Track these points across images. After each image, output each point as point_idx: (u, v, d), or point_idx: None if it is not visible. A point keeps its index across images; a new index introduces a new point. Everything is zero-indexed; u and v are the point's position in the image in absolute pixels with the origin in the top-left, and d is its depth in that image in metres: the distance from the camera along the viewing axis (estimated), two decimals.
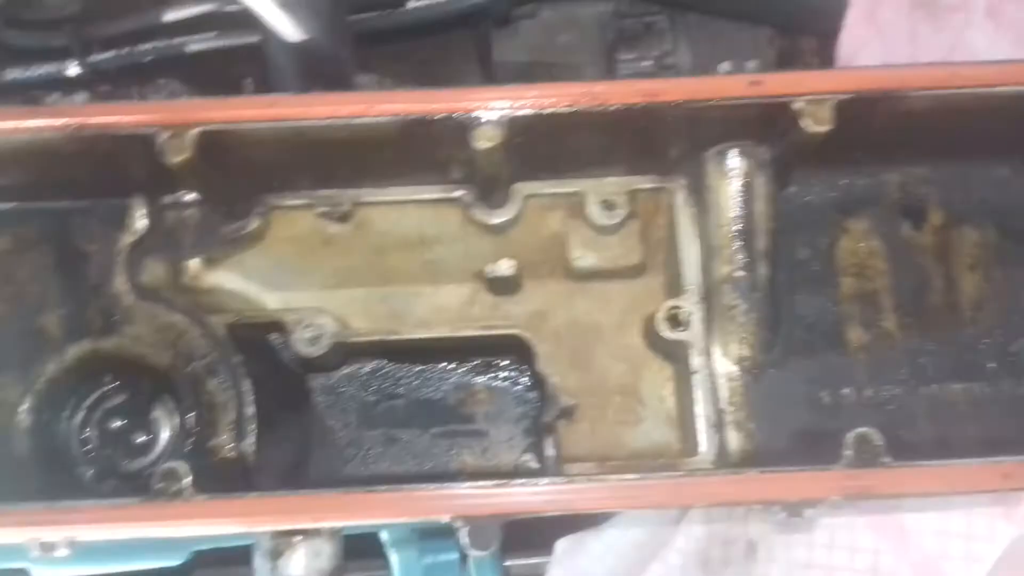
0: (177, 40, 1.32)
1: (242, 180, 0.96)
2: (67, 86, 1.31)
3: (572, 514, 0.85)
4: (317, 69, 1.03)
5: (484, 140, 0.85)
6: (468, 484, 0.81)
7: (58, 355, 0.98)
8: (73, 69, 1.32)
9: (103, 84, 1.14)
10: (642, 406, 1.05)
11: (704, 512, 1.13)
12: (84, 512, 0.80)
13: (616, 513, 1.17)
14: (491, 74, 1.51)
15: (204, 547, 1.25)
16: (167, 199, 1.01)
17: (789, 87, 0.83)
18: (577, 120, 0.86)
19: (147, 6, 1.32)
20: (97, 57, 1.32)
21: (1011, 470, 0.80)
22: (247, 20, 1.11)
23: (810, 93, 0.83)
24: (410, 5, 1.34)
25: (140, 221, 1.00)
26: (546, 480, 0.82)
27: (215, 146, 0.87)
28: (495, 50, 1.54)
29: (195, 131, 0.85)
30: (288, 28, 0.97)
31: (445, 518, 0.80)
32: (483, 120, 0.85)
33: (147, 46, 1.32)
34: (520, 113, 0.85)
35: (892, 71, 0.84)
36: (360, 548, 1.18)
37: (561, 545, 1.22)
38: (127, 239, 1.00)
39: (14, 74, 1.32)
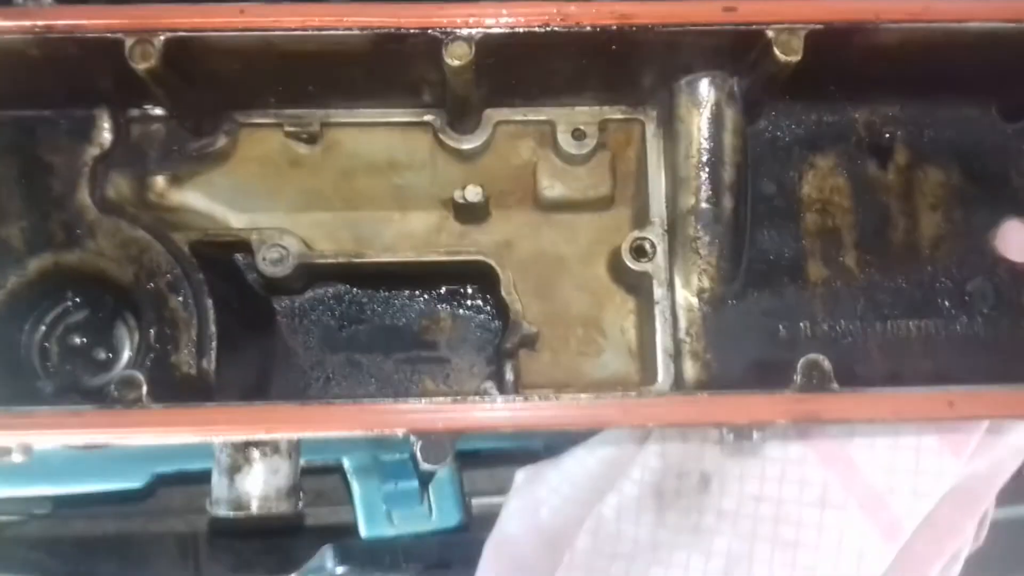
0: None
1: (209, 93, 0.95)
2: None
3: (527, 434, 0.86)
4: None
5: (455, 58, 0.85)
6: (424, 400, 0.81)
7: (19, 267, 0.97)
8: None
9: None
10: (604, 338, 1.06)
11: (660, 445, 1.15)
12: (40, 417, 0.80)
13: (574, 440, 1.19)
14: None
15: (164, 470, 1.26)
16: (134, 112, 1.00)
17: (763, 15, 0.83)
18: (549, 41, 0.86)
19: None
20: None
21: (956, 399, 0.82)
22: None
23: (783, 21, 0.84)
24: None
25: (106, 134, 0.98)
26: (501, 398, 0.83)
27: (183, 54, 0.86)
28: None
29: (162, 37, 0.84)
30: None
31: (400, 432, 0.80)
32: (455, 36, 0.84)
33: None
34: (492, 31, 0.84)
35: (866, 2, 0.84)
36: None
37: (520, 475, 1.23)
38: (92, 151, 0.98)
39: None
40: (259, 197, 1.04)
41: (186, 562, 1.55)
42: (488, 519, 1.27)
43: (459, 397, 0.82)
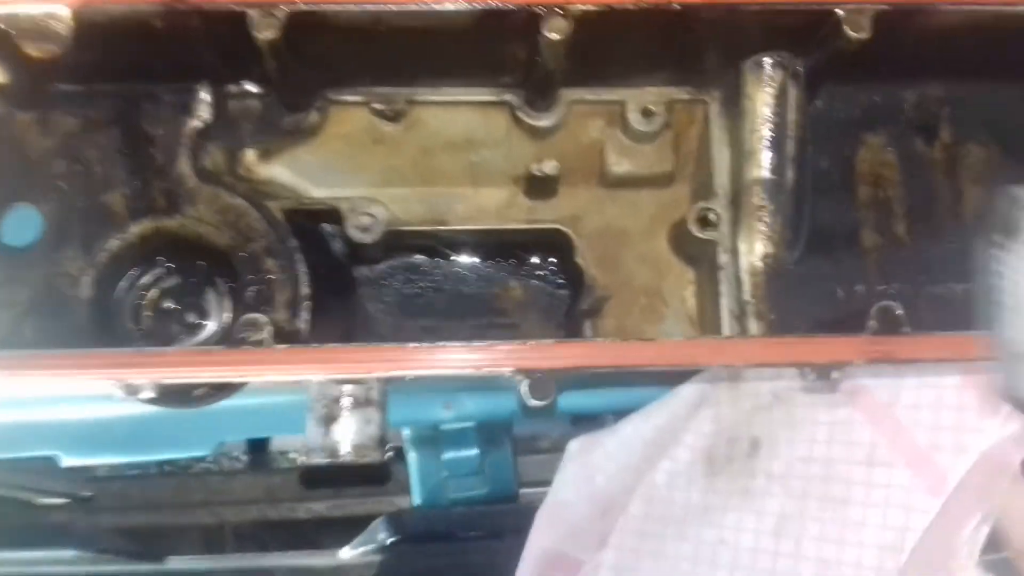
0: None
1: (311, 70, 1.02)
2: None
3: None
4: None
5: (555, 31, 0.92)
6: (528, 341, 0.87)
7: (122, 231, 1.03)
8: None
9: None
10: (665, 306, 1.13)
11: (713, 410, 1.22)
12: (170, 356, 0.85)
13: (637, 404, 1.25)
14: None
15: (230, 438, 1.31)
16: (232, 88, 1.07)
17: None
18: (637, 19, 0.93)
19: None
20: None
21: None
22: None
23: (851, 1, 0.92)
24: None
25: (205, 108, 1.04)
26: (602, 340, 0.90)
27: (300, 27, 0.92)
28: None
29: (283, 10, 0.90)
30: None
31: (508, 370, 0.87)
32: (555, 11, 0.91)
33: None
34: (589, 8, 0.92)
35: None
36: None
37: (575, 444, 1.29)
38: (193, 124, 1.04)
39: None
40: (342, 172, 1.11)
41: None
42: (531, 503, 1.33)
43: (560, 339, 0.88)
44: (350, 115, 1.10)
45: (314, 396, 1.01)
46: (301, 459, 1.02)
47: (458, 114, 1.11)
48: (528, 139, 1.11)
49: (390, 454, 1.03)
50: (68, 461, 1.27)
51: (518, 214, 1.12)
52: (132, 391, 0.86)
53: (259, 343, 0.88)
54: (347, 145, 1.11)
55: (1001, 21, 0.95)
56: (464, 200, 1.12)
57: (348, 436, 0.99)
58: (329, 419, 1.00)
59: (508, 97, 1.09)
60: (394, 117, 1.10)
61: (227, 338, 1.05)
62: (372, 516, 1.45)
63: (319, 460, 0.99)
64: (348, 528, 1.46)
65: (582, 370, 0.86)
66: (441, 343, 0.86)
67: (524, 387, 0.85)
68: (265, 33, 0.90)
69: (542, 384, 0.85)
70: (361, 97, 1.09)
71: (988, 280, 0.85)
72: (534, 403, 0.85)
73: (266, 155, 1.09)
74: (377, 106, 1.08)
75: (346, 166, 1.11)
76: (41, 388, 0.83)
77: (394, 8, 0.91)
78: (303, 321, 1.02)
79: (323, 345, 0.86)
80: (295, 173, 1.10)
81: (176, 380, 0.85)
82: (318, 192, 1.10)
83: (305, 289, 1.02)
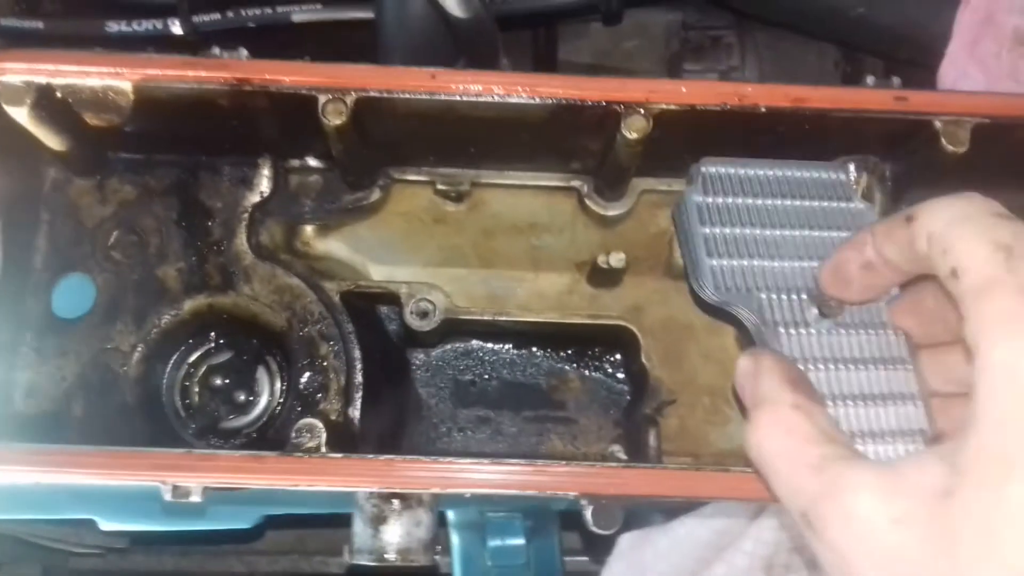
0: (282, 9, 1.34)
1: (377, 150, 0.98)
2: (171, 45, 1.33)
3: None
4: (471, 48, 1.05)
5: (633, 131, 0.88)
6: (596, 463, 0.83)
7: (175, 306, 1.00)
8: (177, 28, 1.34)
9: (208, 46, 1.17)
10: (730, 408, 1.07)
11: (776, 519, 1.16)
12: (222, 461, 0.81)
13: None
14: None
15: (275, 512, 1.27)
16: (293, 163, 1.04)
17: (933, 105, 0.87)
18: (722, 120, 0.89)
19: None
20: (202, 18, 1.34)
21: None
22: None
23: (952, 113, 0.87)
24: None
25: (266, 182, 1.02)
26: (674, 464, 0.85)
27: (368, 113, 0.89)
28: (560, 50, 1.57)
29: (353, 96, 0.87)
30: (454, 5, 1.00)
31: (572, 494, 0.82)
32: (635, 111, 0.87)
33: (253, 11, 1.34)
34: (671, 107, 0.88)
35: None
36: None
37: (626, 540, 1.24)
38: (252, 199, 1.01)
39: (118, 27, 1.34)
40: (401, 251, 1.07)
41: None
42: None
43: (629, 463, 0.83)
44: (412, 193, 1.07)
45: (363, 494, 0.98)
46: (347, 558, 0.98)
47: (523, 197, 1.07)
48: (594, 227, 1.07)
49: (438, 556, 0.99)
50: (106, 526, 1.24)
51: (579, 302, 1.08)
52: (181, 494, 0.82)
53: (314, 450, 0.84)
54: (407, 223, 1.07)
55: None
56: (524, 284, 1.08)
57: (396, 539, 0.95)
58: (378, 519, 0.96)
59: (576, 183, 1.05)
60: (457, 198, 1.06)
61: (274, 421, 1.02)
62: None
63: (366, 561, 0.96)
64: None
65: (651, 499, 0.81)
66: (503, 460, 0.81)
67: (588, 514, 0.81)
68: (334, 120, 0.87)
69: (607, 512, 0.80)
70: (425, 177, 1.05)
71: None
72: (598, 531, 0.80)
73: (324, 230, 1.06)
74: (441, 187, 1.05)
75: (405, 245, 1.07)
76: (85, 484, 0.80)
77: (468, 99, 0.88)
78: (356, 410, 0.98)
79: (379, 456, 0.82)
80: (353, 250, 1.07)
81: (227, 486, 0.81)
82: (375, 269, 1.07)
83: (359, 377, 0.99)
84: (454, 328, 1.06)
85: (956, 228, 0.54)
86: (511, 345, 1.12)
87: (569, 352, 1.12)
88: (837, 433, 0.61)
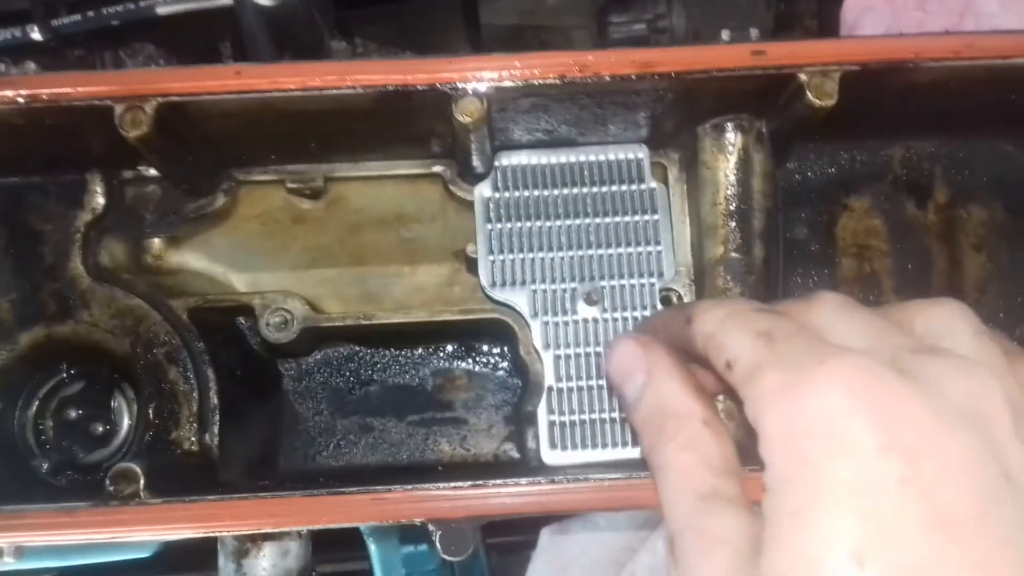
0: (145, 2, 1.24)
1: (206, 154, 0.90)
2: (34, 52, 1.24)
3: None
4: (290, 35, 0.96)
5: (466, 114, 0.79)
6: (443, 485, 0.75)
7: (10, 342, 0.92)
8: (36, 34, 1.24)
9: (74, 49, 1.07)
10: None
11: None
12: (31, 518, 0.74)
13: None
14: (478, 37, 1.45)
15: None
16: (127, 174, 0.95)
17: (794, 58, 0.78)
18: (565, 92, 0.80)
19: None
20: (61, 21, 1.24)
21: None
22: None
23: (816, 63, 0.78)
24: None
25: (98, 198, 0.93)
26: (525, 480, 0.77)
27: (176, 119, 0.80)
28: (482, 13, 1.48)
29: (153, 103, 0.78)
30: None
31: (418, 521, 0.75)
32: (465, 92, 0.79)
33: (114, 8, 1.24)
34: (504, 84, 0.79)
35: (903, 40, 0.78)
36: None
37: (546, 534, 1.17)
38: (84, 217, 0.93)
39: None
40: (262, 255, 0.99)
41: None
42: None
43: (479, 482, 0.75)
44: (264, 194, 0.98)
45: None
46: None
47: (384, 188, 0.98)
48: (467, 212, 0.98)
49: None
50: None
51: (461, 293, 1.00)
52: None
53: (131, 497, 0.77)
54: (264, 226, 0.99)
55: (998, 73, 0.80)
56: (400, 278, 1.00)
57: (262, 573, 0.88)
58: (241, 553, 0.89)
59: (438, 169, 0.96)
60: (313, 194, 0.98)
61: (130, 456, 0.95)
62: None
63: None
64: None
65: (502, 516, 0.74)
66: (337, 490, 0.74)
67: (436, 540, 0.73)
68: (133, 131, 0.79)
69: (457, 536, 0.73)
70: (273, 176, 0.96)
71: None
72: (448, 558, 0.73)
73: (174, 242, 0.98)
74: (292, 184, 0.96)
75: (265, 247, 0.99)
76: None
77: (279, 94, 0.79)
78: (213, 436, 0.90)
79: (203, 498, 0.75)
80: (209, 258, 0.98)
81: (38, 543, 0.74)
82: (236, 277, 0.99)
83: (215, 399, 0.91)
84: (321, 335, 0.98)
85: (723, 325, 0.57)
86: (392, 345, 1.04)
87: (453, 348, 1.04)
88: (737, 464, 0.58)
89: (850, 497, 0.47)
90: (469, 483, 0.75)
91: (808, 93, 0.78)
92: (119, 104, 0.78)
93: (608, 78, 0.78)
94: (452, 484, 0.75)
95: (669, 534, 0.57)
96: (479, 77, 0.78)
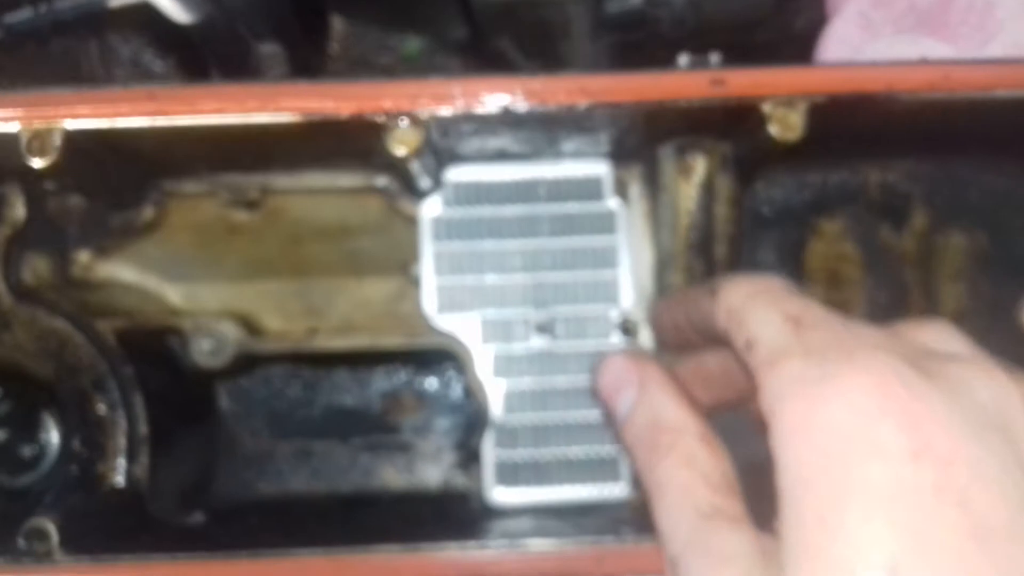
0: None
1: (128, 170, 0.83)
2: None
3: None
4: (213, 55, 0.89)
5: (401, 144, 0.73)
6: (383, 550, 0.70)
7: None
8: None
9: (28, 44, 1.00)
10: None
11: None
12: None
13: None
14: (471, 14, 1.37)
15: None
16: (48, 185, 0.88)
17: (756, 88, 0.71)
18: (510, 120, 0.74)
19: None
20: (11, 17, 1.16)
21: None
22: None
23: (780, 94, 0.71)
24: None
25: (18, 211, 0.87)
26: (456, 545, 0.71)
27: (88, 143, 0.74)
28: None
29: (59, 132, 0.72)
30: (174, 10, 0.83)
31: None
32: (400, 123, 0.72)
33: (65, 2, 1.16)
34: (443, 114, 0.72)
35: (875, 70, 0.71)
36: None
37: None
38: (4, 231, 0.87)
39: None
40: (197, 266, 0.93)
41: None
42: None
43: (413, 545, 0.70)
44: (195, 205, 0.92)
45: None
46: None
47: (325, 201, 0.92)
48: (414, 226, 0.92)
49: None
50: None
51: (410, 307, 0.94)
52: None
53: (46, 555, 0.72)
54: (197, 236, 0.93)
55: (977, 105, 0.73)
56: (346, 293, 0.94)
57: None
58: None
59: (382, 183, 0.90)
60: (249, 205, 0.91)
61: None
62: None
63: None
64: None
65: None
66: (254, 555, 0.69)
67: None
68: (41, 161, 0.72)
69: None
70: (205, 187, 0.90)
71: None
72: None
73: (103, 253, 0.92)
74: (226, 196, 0.90)
75: (200, 258, 0.93)
76: None
77: (200, 121, 0.72)
78: (143, 468, 0.85)
79: (118, 557, 0.70)
80: (140, 269, 0.92)
81: None
82: (171, 289, 0.93)
83: (143, 429, 0.86)
84: (257, 359, 0.92)
85: (751, 302, 0.55)
86: (336, 364, 0.99)
87: (402, 368, 0.99)
88: (735, 480, 0.56)
89: (883, 503, 0.44)
90: (401, 546, 0.70)
91: (770, 127, 0.72)
92: (24, 132, 0.72)
93: (554, 108, 0.71)
94: (385, 547, 0.70)
95: (669, 557, 0.55)
96: (415, 104, 0.72)
